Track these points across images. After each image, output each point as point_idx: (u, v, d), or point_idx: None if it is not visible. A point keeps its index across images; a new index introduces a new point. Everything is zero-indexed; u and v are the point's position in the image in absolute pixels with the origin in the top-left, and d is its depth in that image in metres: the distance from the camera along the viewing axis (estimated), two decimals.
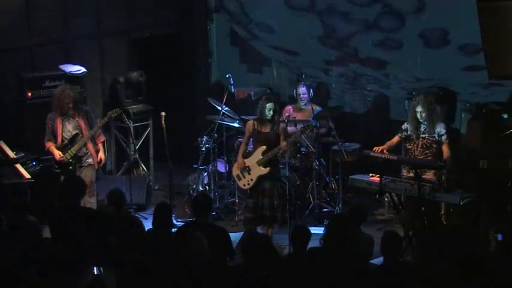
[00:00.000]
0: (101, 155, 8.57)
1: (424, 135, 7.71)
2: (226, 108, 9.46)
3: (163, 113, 9.19)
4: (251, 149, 8.46)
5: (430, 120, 7.68)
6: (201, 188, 9.50)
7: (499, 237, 7.40)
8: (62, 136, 8.41)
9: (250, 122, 8.35)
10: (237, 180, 8.40)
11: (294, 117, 9.12)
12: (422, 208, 7.57)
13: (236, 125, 9.43)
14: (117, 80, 10.22)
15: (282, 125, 8.27)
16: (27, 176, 8.11)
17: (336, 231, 6.10)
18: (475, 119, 8.28)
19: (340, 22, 9.90)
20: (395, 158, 7.68)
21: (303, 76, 9.29)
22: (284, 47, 10.60)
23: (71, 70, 9.42)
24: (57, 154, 8.34)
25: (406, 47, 9.51)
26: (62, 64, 9.52)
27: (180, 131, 10.29)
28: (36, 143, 8.67)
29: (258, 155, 8.17)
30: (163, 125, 9.13)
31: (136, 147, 10.09)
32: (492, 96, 8.77)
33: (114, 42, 10.49)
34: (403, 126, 7.91)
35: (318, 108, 9.31)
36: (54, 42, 9.78)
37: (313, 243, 6.15)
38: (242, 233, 8.28)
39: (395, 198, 7.91)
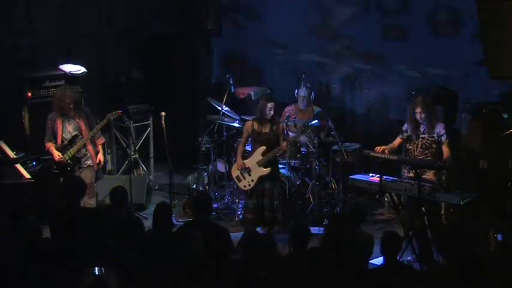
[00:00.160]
0: (100, 156, 8.57)
1: (423, 136, 7.70)
2: (226, 108, 9.47)
3: (163, 113, 9.18)
4: (249, 149, 8.45)
5: (429, 121, 7.68)
6: (201, 188, 9.50)
7: (499, 237, 7.40)
8: (62, 137, 8.41)
9: (249, 123, 8.34)
10: (237, 182, 8.39)
11: (294, 118, 9.12)
12: (423, 208, 7.57)
13: (236, 125, 9.43)
14: (118, 80, 10.22)
15: (281, 125, 8.27)
16: (27, 176, 8.11)
17: (336, 231, 6.10)
18: (475, 119, 8.28)
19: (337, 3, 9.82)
20: (395, 158, 7.67)
21: (303, 77, 9.28)
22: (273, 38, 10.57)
23: (71, 70, 9.43)
24: (56, 155, 8.34)
25: (411, 36, 9.40)
26: (62, 64, 9.53)
27: (180, 131, 10.29)
28: (36, 143, 8.67)
29: (257, 155, 8.17)
30: (163, 125, 9.13)
31: (136, 147, 10.09)
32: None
33: (114, 42, 10.49)
34: (403, 127, 7.90)
35: (317, 109, 9.32)
36: (54, 42, 9.78)
37: (313, 243, 6.15)
38: (242, 233, 8.27)
39: (395, 198, 7.90)
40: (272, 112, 8.14)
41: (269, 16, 10.69)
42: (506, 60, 7.98)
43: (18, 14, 9.44)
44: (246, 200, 8.35)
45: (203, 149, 9.49)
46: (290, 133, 8.58)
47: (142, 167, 10.26)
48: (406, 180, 7.53)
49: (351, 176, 8.28)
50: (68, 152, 8.38)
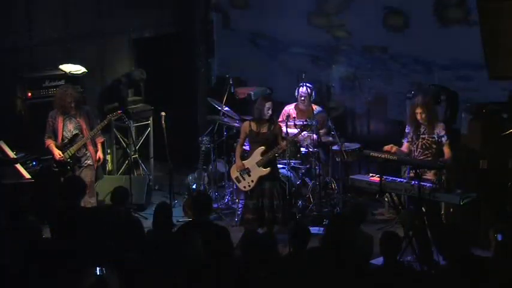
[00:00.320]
0: (100, 154, 8.59)
1: (423, 136, 7.69)
2: (226, 108, 9.46)
3: (163, 113, 9.19)
4: (246, 149, 8.45)
5: (429, 121, 7.67)
6: (201, 188, 9.50)
7: (499, 237, 7.38)
8: (63, 135, 8.42)
9: (247, 123, 8.34)
10: (237, 183, 8.39)
11: (294, 118, 9.12)
12: (423, 208, 7.57)
13: (236, 125, 9.43)
14: (120, 80, 10.22)
15: (278, 124, 8.27)
16: (27, 176, 8.11)
17: (336, 231, 6.10)
18: (475, 119, 8.28)
19: None
20: (395, 158, 7.66)
21: (303, 76, 9.28)
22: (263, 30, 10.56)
23: (71, 70, 9.43)
24: (57, 153, 8.35)
25: (414, 23, 9.30)
26: (62, 64, 9.53)
27: (180, 131, 10.29)
28: (36, 143, 8.67)
29: (257, 155, 8.17)
30: (163, 125, 9.13)
31: (137, 147, 10.09)
32: None
33: (114, 42, 10.49)
34: (406, 130, 7.87)
35: (318, 108, 9.31)
36: (54, 42, 9.78)
37: (313, 243, 6.15)
38: (242, 233, 8.26)
39: (395, 198, 7.90)
40: (270, 112, 8.15)
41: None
42: (506, 60, 7.98)
43: (18, 14, 9.44)
44: (245, 201, 8.34)
45: (203, 149, 9.49)
46: (290, 131, 8.57)
47: (142, 167, 10.26)
48: (406, 180, 7.54)
49: (351, 176, 8.28)
50: (68, 151, 8.39)
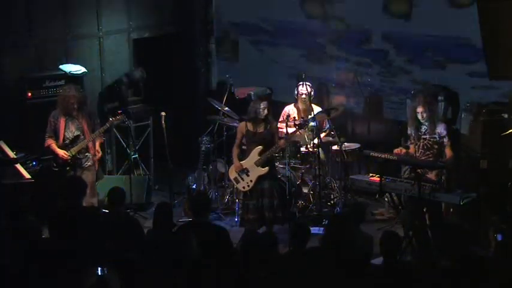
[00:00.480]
0: (98, 148, 8.57)
1: (425, 137, 7.68)
2: (226, 108, 9.47)
3: (163, 113, 9.19)
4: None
5: (431, 121, 7.66)
6: (202, 188, 9.50)
7: (499, 237, 7.39)
8: (64, 135, 8.42)
9: (243, 124, 8.35)
10: (235, 183, 8.39)
11: (294, 118, 9.12)
12: (424, 209, 7.57)
13: (236, 125, 9.42)
14: (120, 80, 10.22)
15: (275, 123, 8.28)
16: (27, 176, 8.11)
17: (336, 231, 6.10)
18: (475, 119, 8.28)
19: None
20: (395, 158, 7.66)
21: (303, 76, 9.28)
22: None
23: (71, 70, 9.43)
24: (62, 153, 8.35)
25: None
26: (62, 64, 9.53)
27: (180, 131, 10.29)
28: (36, 143, 8.66)
29: (254, 155, 8.17)
30: (163, 125, 9.13)
31: (136, 147, 10.09)
32: None
33: (114, 42, 10.49)
34: (408, 132, 7.86)
35: (318, 108, 9.31)
36: (54, 42, 9.78)
37: (313, 243, 6.15)
38: (242, 233, 8.27)
39: (395, 198, 7.90)
40: (266, 111, 8.16)
41: None
42: (506, 60, 7.98)
43: (18, 14, 9.44)
44: (245, 201, 8.33)
45: (203, 149, 9.49)
46: (290, 130, 8.56)
47: (142, 167, 10.26)
48: (406, 180, 7.53)
49: (351, 176, 8.27)
50: (69, 151, 8.39)
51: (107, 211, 7.12)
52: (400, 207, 7.96)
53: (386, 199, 8.75)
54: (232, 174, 8.33)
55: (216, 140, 9.58)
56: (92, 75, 9.96)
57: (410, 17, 9.23)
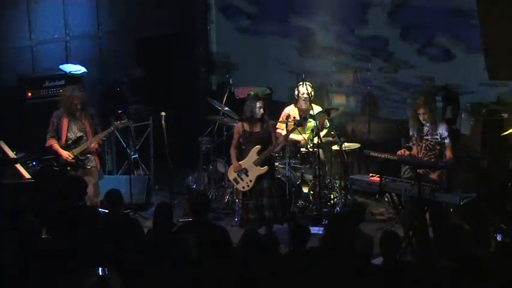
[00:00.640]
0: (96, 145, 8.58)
1: (427, 138, 7.67)
2: (226, 108, 9.47)
3: (163, 113, 9.19)
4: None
5: (432, 122, 7.65)
6: (202, 188, 9.50)
7: (499, 237, 7.39)
8: (67, 136, 8.43)
9: (239, 124, 8.35)
10: (235, 184, 8.39)
11: (294, 118, 9.12)
12: (425, 208, 7.56)
13: (236, 125, 9.43)
14: (120, 80, 10.21)
15: (271, 122, 8.27)
16: (27, 176, 8.11)
17: (335, 231, 6.10)
18: (475, 119, 8.28)
19: None
20: (395, 158, 7.66)
21: (303, 76, 9.28)
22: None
23: (71, 70, 9.43)
24: (66, 154, 8.35)
25: None
26: (62, 64, 9.53)
27: (180, 131, 10.29)
28: (36, 143, 8.66)
29: (253, 155, 8.17)
30: (163, 125, 9.13)
31: (136, 147, 10.09)
32: None
33: (114, 42, 10.49)
34: (410, 133, 7.85)
35: (318, 108, 9.31)
36: (54, 42, 9.77)
37: (313, 243, 6.15)
38: (242, 233, 8.26)
39: (395, 198, 7.90)
40: (262, 110, 8.16)
41: None
42: (506, 61, 7.99)
43: (18, 14, 9.44)
44: (245, 201, 8.33)
45: (203, 149, 9.49)
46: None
47: (142, 167, 10.26)
48: (406, 180, 7.53)
49: (351, 176, 8.26)
50: (71, 152, 8.40)
51: (106, 211, 7.12)
52: (400, 207, 7.96)
53: (386, 199, 8.75)
54: (232, 175, 8.33)
55: (216, 140, 9.58)
56: (92, 75, 9.95)
57: None
